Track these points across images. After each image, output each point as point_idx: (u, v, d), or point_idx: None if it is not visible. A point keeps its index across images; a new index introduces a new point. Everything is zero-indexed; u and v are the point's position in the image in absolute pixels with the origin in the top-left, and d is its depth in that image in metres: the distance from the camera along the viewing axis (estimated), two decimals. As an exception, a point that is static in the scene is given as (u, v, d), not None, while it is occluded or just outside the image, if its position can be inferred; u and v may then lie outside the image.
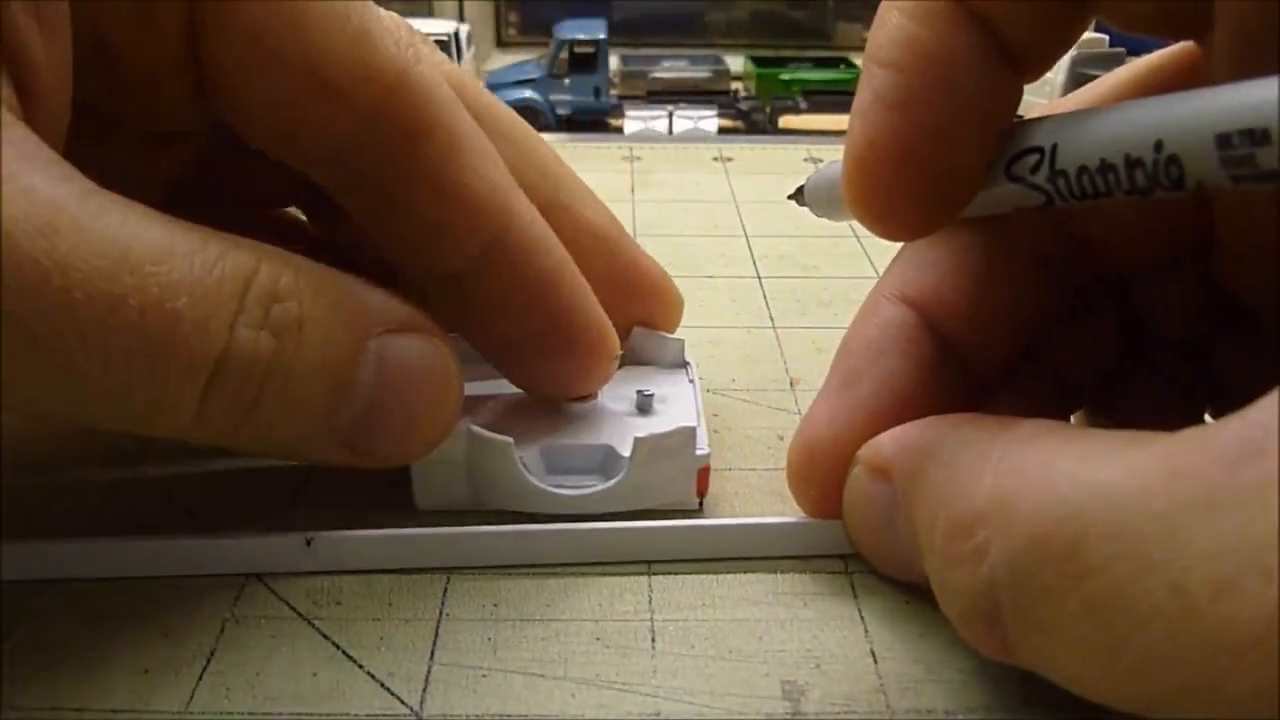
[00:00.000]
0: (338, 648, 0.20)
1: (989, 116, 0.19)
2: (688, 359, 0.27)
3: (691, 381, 0.26)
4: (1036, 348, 0.23)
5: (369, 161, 0.20)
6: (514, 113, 0.25)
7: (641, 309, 0.26)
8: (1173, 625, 0.13)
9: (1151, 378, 0.23)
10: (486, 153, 0.21)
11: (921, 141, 0.18)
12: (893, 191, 0.19)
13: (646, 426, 0.23)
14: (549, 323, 0.22)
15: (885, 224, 0.20)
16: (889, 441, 0.20)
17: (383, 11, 0.21)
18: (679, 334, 0.27)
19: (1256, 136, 0.14)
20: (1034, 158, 0.18)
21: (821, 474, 0.22)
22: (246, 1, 0.19)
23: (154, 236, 0.16)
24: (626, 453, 0.23)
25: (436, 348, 0.20)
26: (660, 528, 0.22)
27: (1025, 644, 0.16)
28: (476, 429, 0.22)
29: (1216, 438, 0.13)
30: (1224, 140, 0.15)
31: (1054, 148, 0.18)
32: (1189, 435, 0.14)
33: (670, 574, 0.22)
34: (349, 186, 0.21)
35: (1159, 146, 0.16)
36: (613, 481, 0.23)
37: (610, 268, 0.24)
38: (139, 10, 0.19)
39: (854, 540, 0.22)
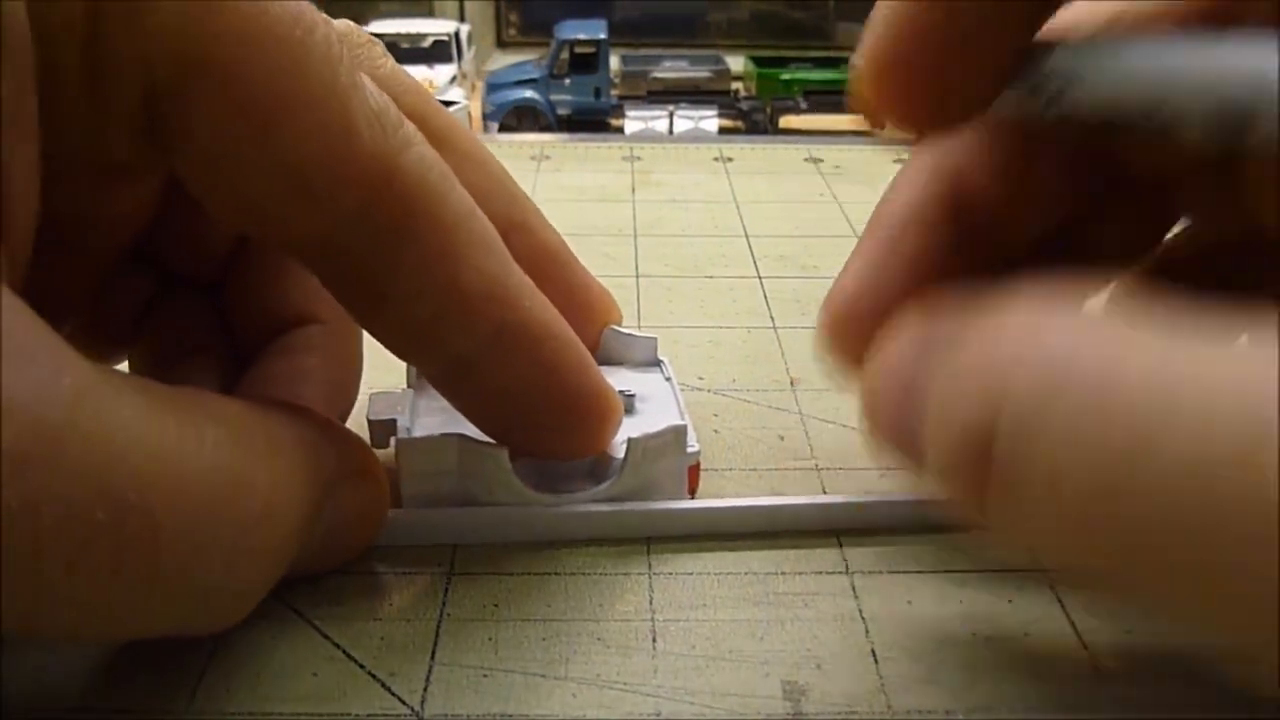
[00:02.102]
0: (338, 648, 0.20)
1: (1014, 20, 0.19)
2: (661, 357, 0.27)
3: (668, 379, 0.26)
4: (1068, 227, 0.22)
5: (353, 259, 0.19)
6: (472, 133, 0.25)
7: (591, 325, 0.27)
8: (1171, 499, 0.13)
9: (1183, 265, 0.23)
10: (483, 240, 0.20)
11: (942, 35, 0.19)
12: (910, 78, 0.19)
13: (634, 427, 0.23)
14: (554, 403, 0.22)
15: (900, 108, 0.20)
16: (919, 306, 0.20)
17: (368, 84, 0.18)
18: (650, 332, 0.27)
19: None
20: (1044, 97, 0.18)
21: (853, 333, 0.21)
22: (210, 99, 0.17)
23: (150, 442, 0.15)
24: (615, 454, 0.23)
25: (376, 487, 0.21)
26: (658, 508, 0.23)
27: (1007, 493, 0.15)
28: (469, 439, 0.22)
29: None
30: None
31: (1061, 92, 0.17)
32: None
33: (671, 574, 0.22)
34: (332, 279, 0.20)
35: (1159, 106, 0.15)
36: (607, 483, 0.23)
37: (566, 287, 0.25)
38: (91, 118, 0.17)
39: (870, 411, 0.20)
